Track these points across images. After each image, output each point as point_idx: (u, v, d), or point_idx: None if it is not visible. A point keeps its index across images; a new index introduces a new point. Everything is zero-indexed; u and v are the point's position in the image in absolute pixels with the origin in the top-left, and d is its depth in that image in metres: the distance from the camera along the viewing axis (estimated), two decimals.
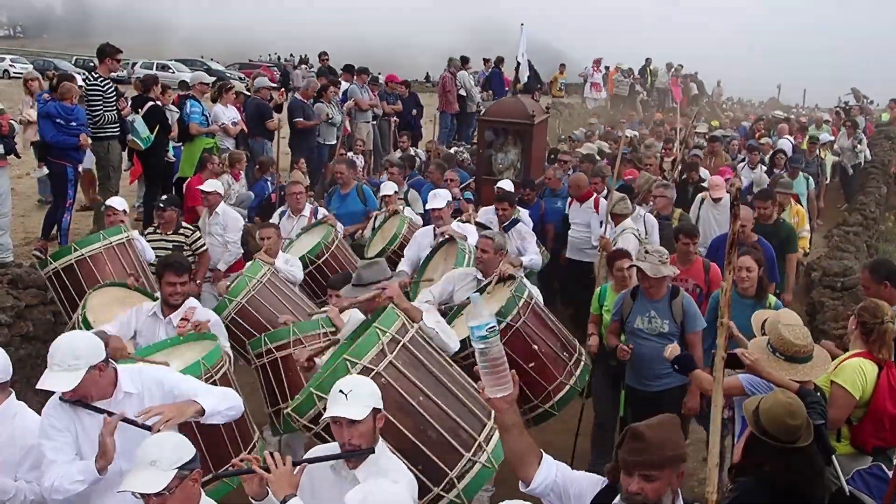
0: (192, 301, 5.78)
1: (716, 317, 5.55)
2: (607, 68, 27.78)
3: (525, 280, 6.05)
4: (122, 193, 10.57)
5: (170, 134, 10.45)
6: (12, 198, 9.37)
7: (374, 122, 14.87)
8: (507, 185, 9.70)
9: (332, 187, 9.98)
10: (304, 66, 28.88)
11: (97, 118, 9.37)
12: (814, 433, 3.86)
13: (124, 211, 7.69)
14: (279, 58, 46.99)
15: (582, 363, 5.78)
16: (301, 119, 12.44)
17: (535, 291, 6.01)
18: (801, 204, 10.70)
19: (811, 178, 12.82)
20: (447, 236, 7.14)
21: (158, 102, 10.30)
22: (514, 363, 4.49)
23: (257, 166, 10.90)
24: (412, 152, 13.18)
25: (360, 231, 9.06)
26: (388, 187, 9.12)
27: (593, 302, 6.92)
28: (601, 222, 8.60)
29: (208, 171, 9.56)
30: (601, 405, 6.78)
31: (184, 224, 8.04)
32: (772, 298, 6.16)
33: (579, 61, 31.25)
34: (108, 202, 7.80)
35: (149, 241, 7.68)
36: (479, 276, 6.02)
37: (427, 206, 7.85)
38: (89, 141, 9.28)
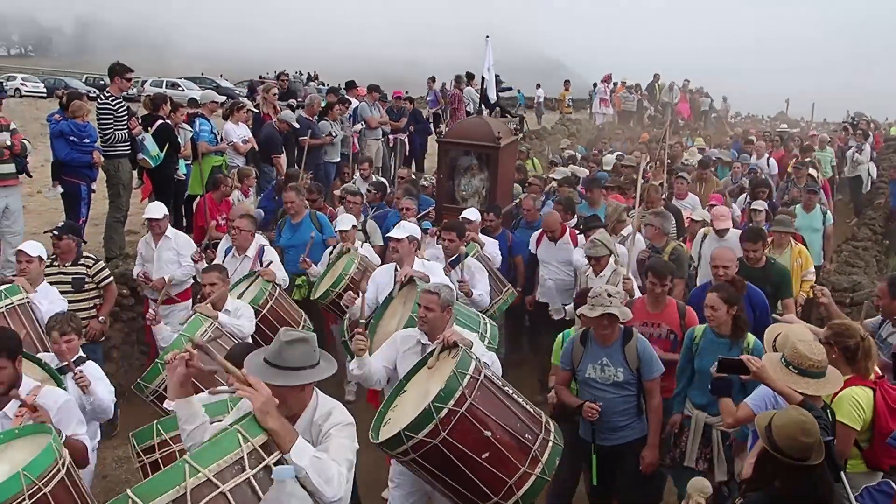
0: (32, 383, 4.70)
1: (690, 359, 5.75)
2: (615, 84, 27.90)
3: (475, 345, 5.07)
4: (133, 211, 10.72)
5: (180, 152, 10.54)
6: (24, 215, 9.48)
7: (384, 140, 14.96)
8: (472, 214, 8.82)
9: (283, 217, 9.30)
10: (312, 83, 29.08)
11: (108, 136, 9.48)
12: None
13: (39, 258, 6.70)
14: (287, 75, 47.16)
15: (550, 444, 4.61)
16: (306, 137, 12.53)
17: (490, 356, 5.19)
18: (803, 243, 9.20)
19: (829, 212, 11.21)
20: (407, 278, 6.41)
21: (168, 121, 10.40)
22: (465, 457, 4.26)
23: (283, 177, 10.99)
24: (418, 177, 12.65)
25: (307, 263, 8.26)
26: (345, 221, 8.31)
27: (554, 349, 6.26)
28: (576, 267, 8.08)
29: (221, 191, 9.67)
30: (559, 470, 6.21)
31: (84, 254, 7.39)
32: (750, 338, 5.63)
33: (588, 77, 31.38)
34: (20, 247, 6.81)
35: (46, 276, 6.85)
36: (424, 339, 5.27)
37: (387, 234, 7.16)
38: (102, 158, 9.39)
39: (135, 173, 10.63)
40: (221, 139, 11.23)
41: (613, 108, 27.41)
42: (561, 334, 6.30)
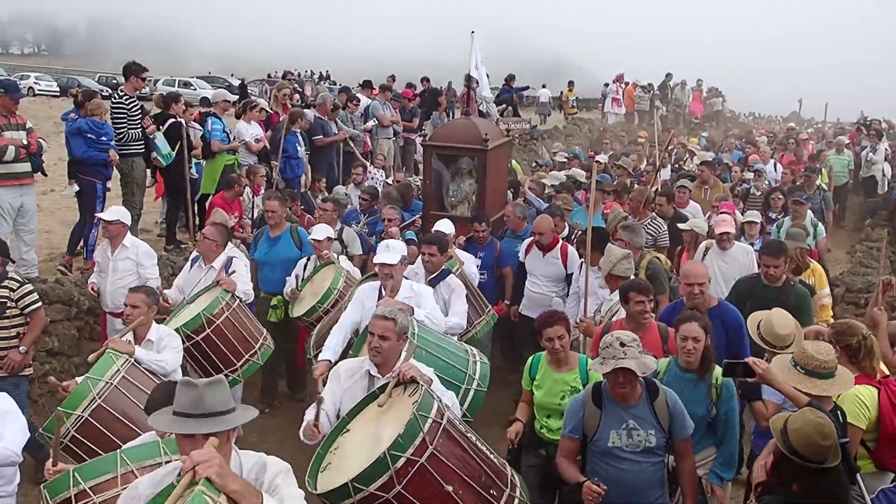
0: None
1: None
2: (627, 84, 27.87)
3: (434, 384, 4.41)
4: (146, 210, 10.78)
5: (192, 150, 10.59)
6: (38, 214, 9.54)
7: (395, 139, 14.98)
8: (446, 226, 8.12)
9: (261, 227, 8.76)
10: (324, 83, 29.18)
11: (121, 136, 9.54)
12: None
13: None
14: (298, 74, 47.35)
15: (516, 501, 4.14)
16: (320, 136, 12.55)
17: (449, 396, 4.60)
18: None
19: (820, 225, 10.38)
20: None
21: (180, 119, 10.44)
22: None
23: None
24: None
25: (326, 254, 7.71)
26: (320, 231, 7.77)
27: (524, 374, 5.57)
28: (578, 289, 7.33)
29: (234, 191, 9.68)
30: None
31: (9, 275, 6.51)
32: (717, 372, 5.08)
33: (600, 76, 31.35)
34: None
35: None
36: (373, 370, 4.66)
37: (375, 260, 6.26)
38: (117, 157, 9.45)
39: (149, 172, 10.69)
40: (234, 138, 11.28)
41: (625, 107, 27.38)
42: (532, 358, 5.57)
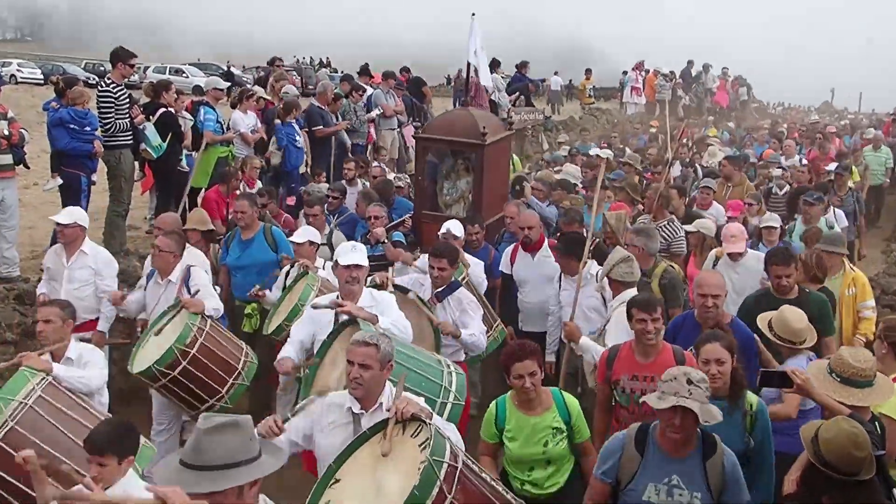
0: None
1: None
2: (647, 71, 27.83)
3: (438, 421, 4.03)
4: (134, 205, 10.81)
5: (183, 142, 10.60)
6: (20, 209, 9.56)
7: (399, 130, 14.98)
8: (455, 227, 7.72)
9: (231, 229, 8.48)
10: (324, 70, 29.22)
11: (108, 126, 9.56)
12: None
13: None
14: (297, 61, 47.42)
15: None
16: (320, 127, 12.57)
17: (451, 429, 4.27)
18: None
19: (836, 226, 9.67)
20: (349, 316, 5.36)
21: (171, 109, 10.46)
22: None
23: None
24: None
25: (260, 293, 7.43)
26: (302, 232, 7.55)
27: (487, 424, 4.98)
28: (574, 289, 6.84)
29: (229, 185, 9.63)
30: None
31: None
32: (752, 398, 4.79)
33: (619, 64, 31.29)
34: None
35: None
36: (356, 406, 4.32)
37: (343, 261, 5.74)
38: (103, 148, 9.47)
39: (137, 165, 10.71)
40: (228, 128, 11.31)
41: (646, 97, 27.33)
42: (494, 404, 5.01)
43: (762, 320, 5.78)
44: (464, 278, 7.03)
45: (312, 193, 9.38)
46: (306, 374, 5.15)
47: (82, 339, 6.17)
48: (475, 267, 7.52)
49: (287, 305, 6.80)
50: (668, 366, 4.96)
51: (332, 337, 5.27)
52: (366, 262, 5.77)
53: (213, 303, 6.59)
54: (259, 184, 10.58)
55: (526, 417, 4.86)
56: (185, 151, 10.88)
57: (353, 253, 5.74)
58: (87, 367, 5.37)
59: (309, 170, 12.08)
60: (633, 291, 6.18)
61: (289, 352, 5.60)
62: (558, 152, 15.03)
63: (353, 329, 5.11)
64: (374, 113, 14.26)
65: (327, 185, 10.55)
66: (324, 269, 7.26)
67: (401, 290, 6.40)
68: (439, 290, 6.56)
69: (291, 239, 7.53)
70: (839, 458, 3.73)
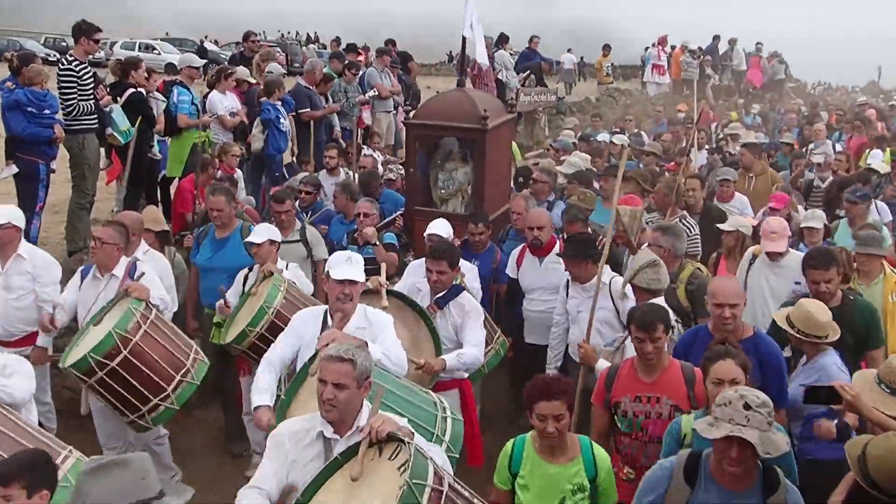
0: None
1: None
2: (673, 48, 27.78)
3: (420, 442, 3.93)
4: (100, 196, 10.76)
5: (154, 126, 10.55)
6: None
7: (394, 112, 14.94)
8: (442, 228, 7.60)
9: (202, 226, 8.35)
10: (312, 46, 29.20)
11: (71, 108, 9.49)
12: None
13: None
14: (282, 36, 47.46)
15: None
16: (307, 110, 12.51)
17: (436, 451, 4.20)
18: None
19: (886, 230, 8.84)
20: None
21: (141, 89, 10.41)
22: None
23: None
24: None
25: (227, 307, 7.09)
26: (261, 232, 7.24)
27: (500, 468, 4.72)
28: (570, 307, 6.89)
29: (208, 174, 9.61)
30: None
31: None
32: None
33: (641, 40, 31.21)
34: None
35: None
36: (328, 430, 4.19)
37: (336, 275, 5.45)
38: (64, 133, 9.40)
39: (102, 152, 10.66)
40: (204, 111, 11.26)
41: (670, 75, 27.28)
42: (511, 443, 4.74)
43: (780, 316, 5.76)
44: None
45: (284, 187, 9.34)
46: (281, 402, 4.99)
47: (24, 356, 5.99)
48: (470, 276, 7.34)
49: (250, 310, 6.61)
50: (674, 385, 5.13)
51: (309, 365, 5.03)
52: (362, 277, 5.52)
53: (158, 292, 6.47)
54: (239, 173, 10.55)
55: (545, 465, 4.57)
56: (156, 137, 10.84)
57: (348, 266, 5.45)
58: (12, 376, 5.22)
59: (294, 158, 12.04)
60: (660, 301, 6.01)
61: (263, 398, 5.22)
62: (565, 138, 14.63)
63: None
64: (370, 95, 14.21)
65: (315, 176, 10.49)
66: (287, 269, 7.09)
67: (397, 297, 6.29)
68: (439, 295, 6.50)
69: (249, 240, 7.23)
70: (890, 479, 3.69)
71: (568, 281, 7.07)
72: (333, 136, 12.98)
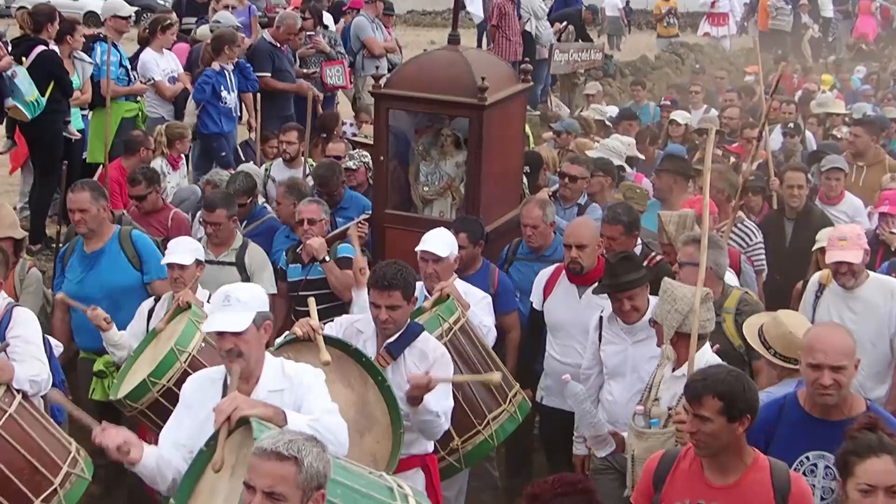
0: None
1: None
2: None
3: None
4: (0, 188, 10.79)
5: (71, 95, 10.55)
6: None
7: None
8: (441, 242, 7.07)
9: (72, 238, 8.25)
10: None
11: None
12: None
13: None
14: None
15: None
16: (268, 74, 12.51)
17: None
18: None
19: None
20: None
21: (54, 48, 10.41)
22: None
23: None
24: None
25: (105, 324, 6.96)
26: (183, 248, 7.12)
27: None
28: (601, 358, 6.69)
29: (138, 157, 9.71)
30: None
31: None
32: None
33: None
34: None
35: None
36: None
37: (203, 327, 5.58)
38: None
39: (2, 130, 10.68)
40: (137, 75, 11.29)
41: (756, 26, 27.14)
42: None
43: (750, 328, 5.79)
44: (456, 324, 6.43)
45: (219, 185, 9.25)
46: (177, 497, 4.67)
47: None
48: (478, 305, 7.05)
49: (154, 353, 6.36)
50: (760, 495, 4.67)
51: (207, 454, 4.60)
52: (243, 326, 4.92)
53: (29, 372, 5.83)
54: (183, 161, 10.57)
55: None
56: (77, 111, 10.85)
57: (226, 311, 5.01)
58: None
59: (252, 135, 12.02)
60: (707, 351, 5.90)
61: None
62: (593, 113, 14.18)
63: (247, 430, 4.49)
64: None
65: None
66: (209, 301, 6.53)
67: (334, 346, 5.76)
68: (391, 340, 5.92)
69: (169, 260, 6.99)
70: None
71: (602, 318, 6.80)
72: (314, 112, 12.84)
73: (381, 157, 8.86)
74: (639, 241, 7.93)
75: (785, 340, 5.61)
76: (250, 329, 4.95)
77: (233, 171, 9.98)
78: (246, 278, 7.83)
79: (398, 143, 9.05)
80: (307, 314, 6.05)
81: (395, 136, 8.98)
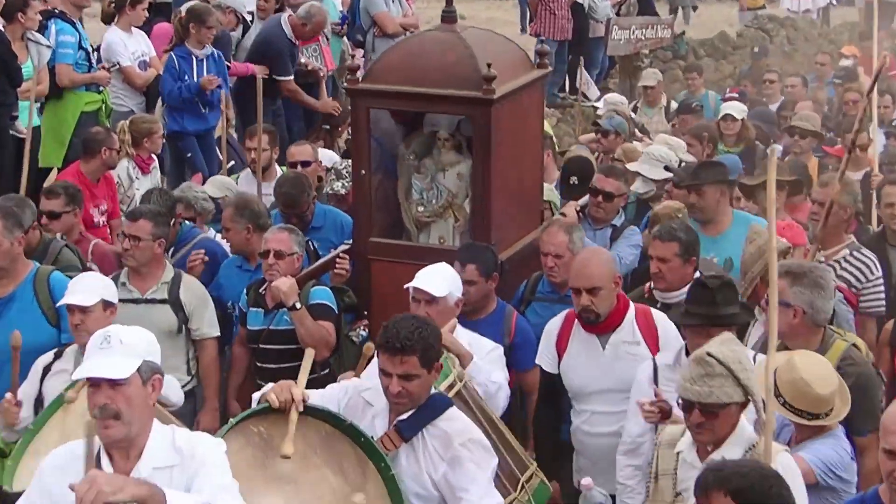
0: None
1: None
2: None
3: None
4: None
5: (20, 85, 10.66)
6: None
7: None
8: (440, 280, 6.88)
9: None
10: None
11: None
12: None
13: None
14: None
15: None
16: (290, 78, 12.76)
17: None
18: None
19: None
20: None
21: (1, 27, 10.54)
22: None
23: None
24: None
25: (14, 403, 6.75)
26: (85, 286, 6.91)
27: None
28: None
29: (100, 160, 9.86)
30: None
31: None
32: None
33: None
34: None
35: None
36: None
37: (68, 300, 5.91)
38: None
39: None
40: (98, 60, 11.45)
41: None
42: None
43: (763, 370, 5.40)
44: (450, 390, 5.97)
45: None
46: None
47: None
48: (491, 356, 6.83)
49: (63, 431, 6.08)
50: None
51: None
52: (123, 373, 4.58)
53: None
54: (155, 163, 10.66)
55: None
56: (25, 104, 10.93)
57: (103, 354, 4.68)
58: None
59: (234, 131, 12.11)
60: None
61: None
62: (611, 114, 12.93)
63: None
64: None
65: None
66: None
67: (324, 420, 5.47)
68: (403, 417, 5.53)
69: (67, 301, 6.76)
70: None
71: (655, 366, 6.49)
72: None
73: (363, 172, 8.52)
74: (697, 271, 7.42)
75: (794, 389, 5.48)
76: (133, 381, 4.60)
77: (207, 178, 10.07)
78: (184, 319, 7.77)
79: (383, 153, 8.80)
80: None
81: (379, 143, 8.71)
